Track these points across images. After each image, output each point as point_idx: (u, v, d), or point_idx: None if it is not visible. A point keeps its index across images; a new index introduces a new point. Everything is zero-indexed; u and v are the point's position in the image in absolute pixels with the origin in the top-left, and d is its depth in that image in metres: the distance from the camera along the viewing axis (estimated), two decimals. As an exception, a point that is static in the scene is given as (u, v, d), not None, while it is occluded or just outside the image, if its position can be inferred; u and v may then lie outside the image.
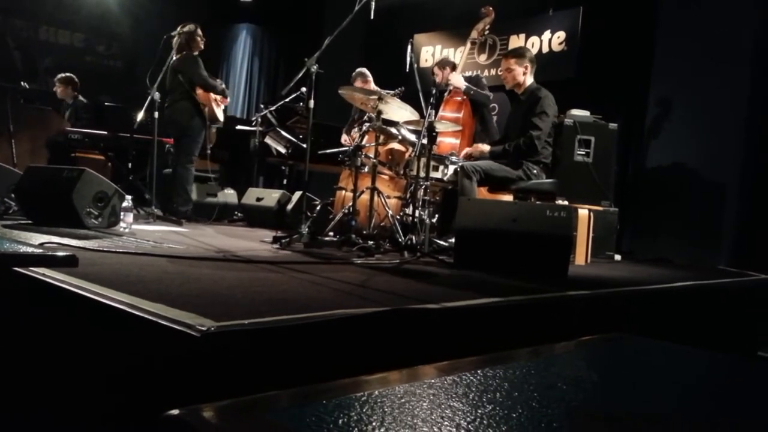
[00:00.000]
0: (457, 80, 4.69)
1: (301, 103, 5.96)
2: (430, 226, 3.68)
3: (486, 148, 4.02)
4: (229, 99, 5.26)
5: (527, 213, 3.02)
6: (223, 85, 5.28)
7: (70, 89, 6.61)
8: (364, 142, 3.96)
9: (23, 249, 1.86)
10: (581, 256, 4.04)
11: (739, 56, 5.05)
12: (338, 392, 0.80)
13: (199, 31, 5.02)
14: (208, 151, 5.26)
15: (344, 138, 5.69)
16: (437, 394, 0.84)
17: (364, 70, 5.76)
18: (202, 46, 5.04)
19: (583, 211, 4.14)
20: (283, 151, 6.07)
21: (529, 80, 4.04)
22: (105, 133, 6.07)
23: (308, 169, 3.73)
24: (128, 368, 1.33)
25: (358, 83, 5.66)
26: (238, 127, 6.70)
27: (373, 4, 3.72)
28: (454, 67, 4.90)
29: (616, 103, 5.64)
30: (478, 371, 0.97)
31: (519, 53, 4.10)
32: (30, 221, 3.52)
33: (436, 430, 0.71)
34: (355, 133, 5.44)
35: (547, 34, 6.23)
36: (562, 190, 4.14)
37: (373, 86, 5.63)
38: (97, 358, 1.41)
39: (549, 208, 3.02)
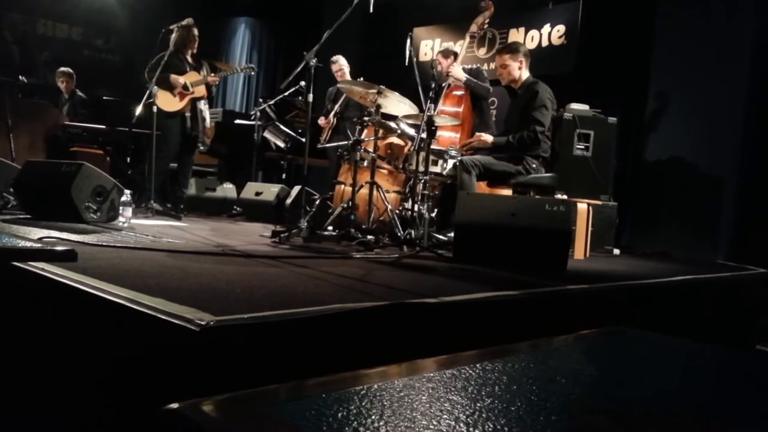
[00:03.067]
0: (457, 72, 4.68)
1: (300, 97, 5.97)
2: (429, 221, 3.68)
3: (489, 138, 4.01)
4: (184, 83, 4.95)
5: (526, 207, 3.02)
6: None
7: (72, 83, 6.62)
8: (363, 137, 3.96)
9: (22, 243, 1.86)
10: (580, 250, 4.04)
11: (738, 51, 5.04)
12: (337, 386, 0.80)
13: (194, 30, 5.02)
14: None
15: (321, 120, 5.70)
16: (436, 387, 0.85)
17: (335, 57, 5.78)
18: (187, 44, 5.01)
19: (582, 206, 4.14)
20: (282, 145, 6.07)
21: (525, 74, 4.03)
22: (103, 127, 6.06)
23: (307, 164, 3.73)
24: (127, 362, 1.33)
25: (333, 68, 5.72)
26: (237, 121, 6.69)
27: (372, -3, 3.71)
28: (456, 57, 4.88)
29: (615, 97, 5.64)
30: (477, 365, 0.98)
31: (513, 48, 4.09)
32: (29, 216, 3.52)
33: (435, 423, 0.71)
34: (333, 115, 5.51)
35: (546, 28, 6.22)
36: (561, 184, 4.14)
37: (347, 73, 5.67)
38: (97, 352, 1.42)
39: (548, 202, 3.02)
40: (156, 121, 4.71)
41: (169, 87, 4.89)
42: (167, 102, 4.92)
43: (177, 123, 4.97)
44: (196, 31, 5.05)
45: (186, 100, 5.00)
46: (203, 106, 5.16)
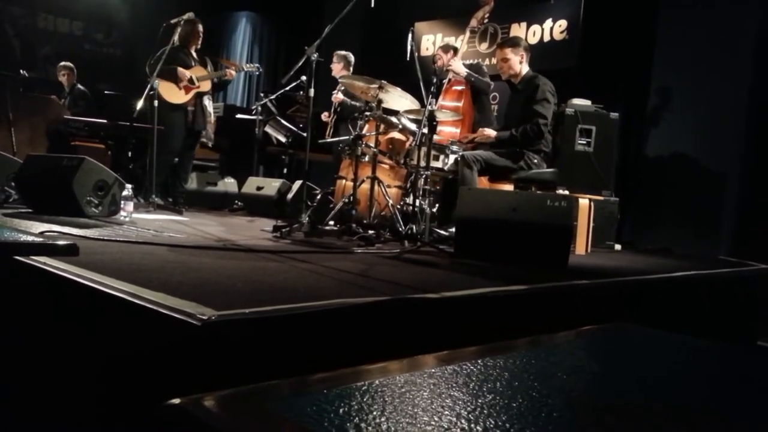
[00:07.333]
0: (458, 66, 4.66)
1: (302, 92, 5.96)
2: (431, 216, 3.68)
3: (492, 133, 4.00)
4: (190, 79, 5.00)
5: (528, 202, 3.01)
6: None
7: (73, 77, 6.62)
8: (364, 131, 3.95)
9: (24, 238, 1.87)
10: (581, 245, 4.04)
11: (740, 45, 5.02)
12: (339, 381, 0.81)
13: (199, 26, 5.06)
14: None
15: (324, 115, 5.71)
16: (438, 383, 0.85)
17: (339, 53, 5.76)
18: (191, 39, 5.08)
19: (583, 201, 4.14)
20: (283, 140, 6.06)
21: (525, 69, 4.03)
22: (104, 121, 6.05)
23: (308, 158, 3.72)
24: (129, 357, 1.33)
25: (339, 66, 5.71)
26: (238, 116, 6.68)
27: (374, -8, 3.70)
28: (456, 52, 4.87)
29: (617, 93, 5.62)
30: (479, 361, 0.98)
31: (514, 42, 4.08)
32: (30, 210, 3.52)
33: (436, 419, 0.71)
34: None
35: (548, 23, 6.20)
36: (562, 179, 4.14)
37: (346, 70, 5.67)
38: (98, 347, 1.42)
39: (549, 197, 3.02)
40: (159, 115, 4.70)
41: (174, 79, 4.88)
42: (172, 94, 4.91)
43: (180, 117, 4.97)
44: (200, 27, 5.09)
45: (191, 94, 5.01)
46: (207, 101, 5.16)
